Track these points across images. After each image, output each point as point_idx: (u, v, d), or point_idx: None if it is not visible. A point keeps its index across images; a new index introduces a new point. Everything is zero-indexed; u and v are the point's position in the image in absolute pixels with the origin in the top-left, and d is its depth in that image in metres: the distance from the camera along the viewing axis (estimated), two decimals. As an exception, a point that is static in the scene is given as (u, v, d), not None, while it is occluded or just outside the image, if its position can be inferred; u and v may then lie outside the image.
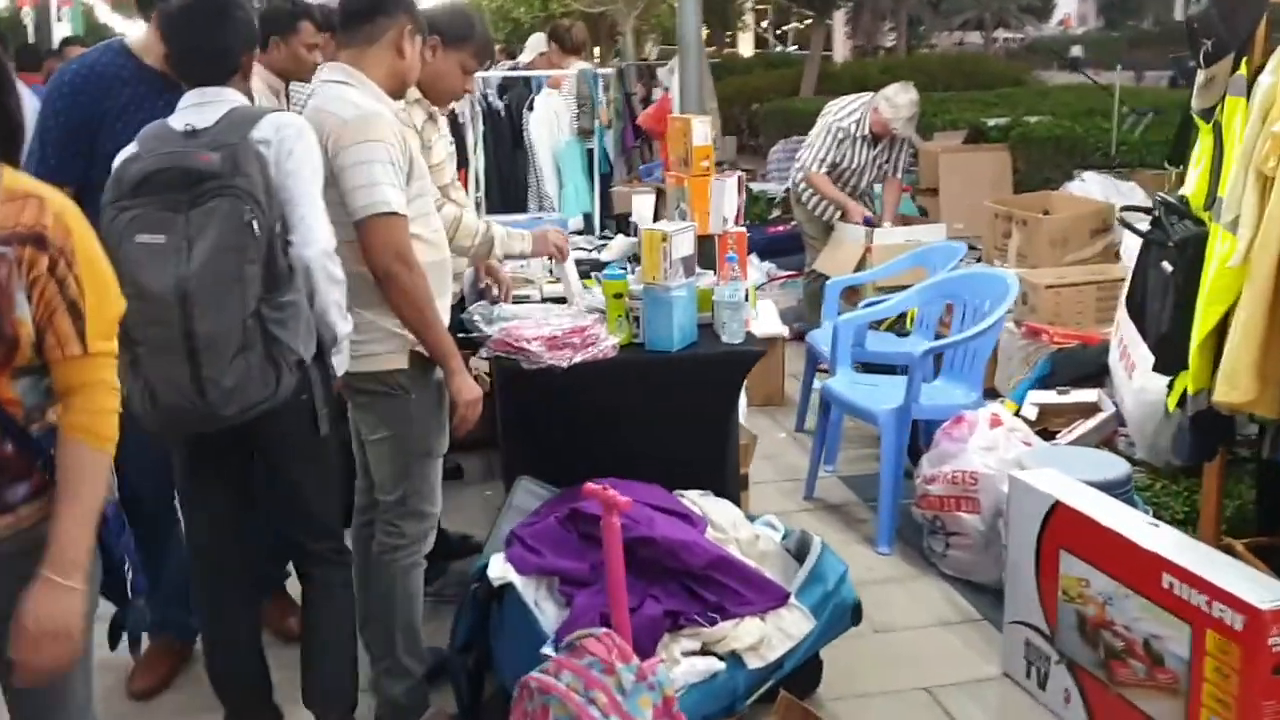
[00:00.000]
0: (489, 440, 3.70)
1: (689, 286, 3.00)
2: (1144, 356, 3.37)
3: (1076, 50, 26.83)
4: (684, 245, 2.99)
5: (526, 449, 3.20)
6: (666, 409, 3.05)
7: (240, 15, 2.38)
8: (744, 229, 3.16)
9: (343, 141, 2.40)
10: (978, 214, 6.66)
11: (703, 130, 3.45)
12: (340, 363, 2.46)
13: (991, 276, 3.91)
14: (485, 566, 2.69)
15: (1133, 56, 23.14)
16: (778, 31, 29.48)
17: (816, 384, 4.77)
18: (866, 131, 5.31)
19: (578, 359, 2.87)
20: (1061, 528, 2.75)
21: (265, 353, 2.17)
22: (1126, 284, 3.33)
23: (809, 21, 22.40)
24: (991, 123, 8.91)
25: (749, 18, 25.66)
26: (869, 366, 4.39)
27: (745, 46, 28.13)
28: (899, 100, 5.21)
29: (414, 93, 2.86)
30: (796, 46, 27.61)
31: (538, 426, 3.16)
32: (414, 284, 2.46)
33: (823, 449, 4.17)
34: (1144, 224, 2.93)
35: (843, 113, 5.37)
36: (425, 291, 2.50)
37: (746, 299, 3.08)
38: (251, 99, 2.53)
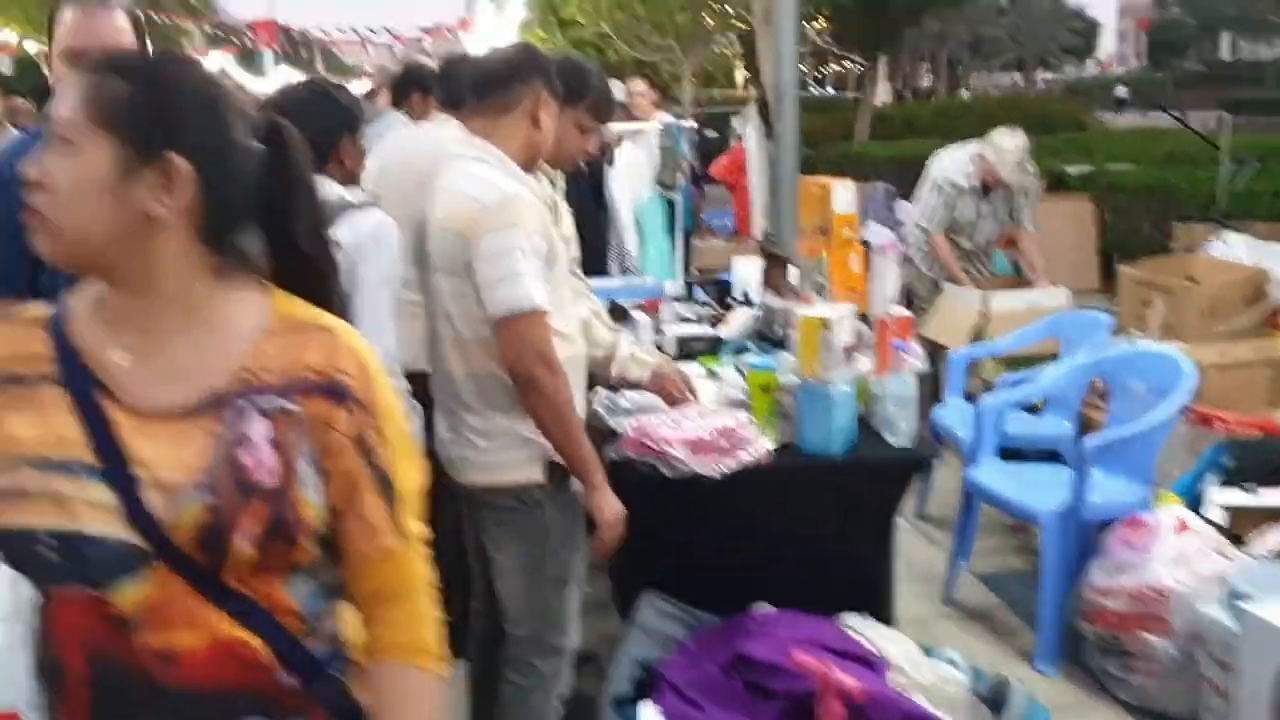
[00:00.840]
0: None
1: (852, 381, 2.61)
2: (1364, 457, 2.94)
3: (1122, 91, 26.52)
4: (845, 333, 2.59)
5: (648, 558, 2.80)
6: (819, 519, 2.66)
7: (336, 101, 2.30)
8: (909, 313, 2.76)
9: (482, 229, 2.10)
10: (1060, 269, 6.19)
11: (845, 196, 3.07)
12: None
13: (1159, 357, 3.49)
14: (630, 711, 2.29)
15: (1178, 97, 22.80)
16: (817, 74, 29.31)
17: (937, 464, 4.36)
18: (976, 183, 4.93)
19: (730, 466, 2.47)
20: (1316, 676, 2.31)
21: None
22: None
23: (849, 65, 22.10)
24: (1074, 170, 8.52)
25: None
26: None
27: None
28: (1005, 145, 4.84)
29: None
30: (834, 89, 27.34)
31: (664, 533, 2.76)
32: (557, 389, 2.15)
33: (960, 545, 3.73)
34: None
35: (950, 165, 4.99)
36: (567, 396, 2.20)
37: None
38: (356, 179, 2.31)
